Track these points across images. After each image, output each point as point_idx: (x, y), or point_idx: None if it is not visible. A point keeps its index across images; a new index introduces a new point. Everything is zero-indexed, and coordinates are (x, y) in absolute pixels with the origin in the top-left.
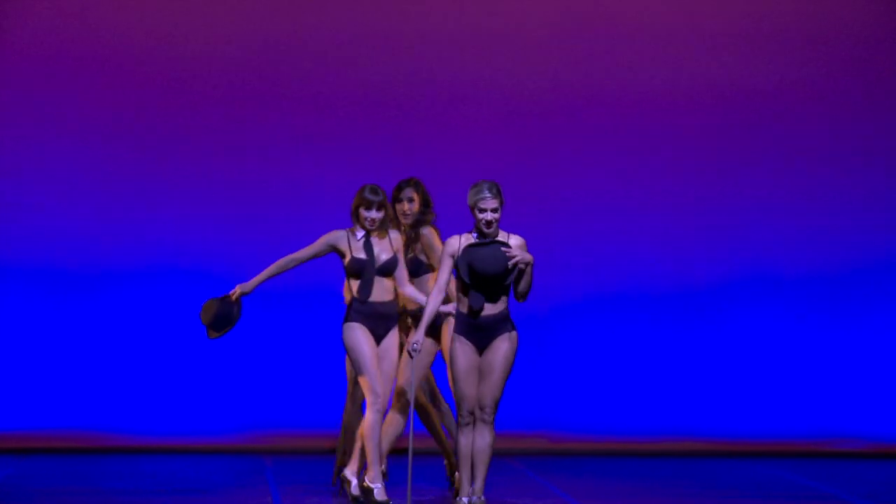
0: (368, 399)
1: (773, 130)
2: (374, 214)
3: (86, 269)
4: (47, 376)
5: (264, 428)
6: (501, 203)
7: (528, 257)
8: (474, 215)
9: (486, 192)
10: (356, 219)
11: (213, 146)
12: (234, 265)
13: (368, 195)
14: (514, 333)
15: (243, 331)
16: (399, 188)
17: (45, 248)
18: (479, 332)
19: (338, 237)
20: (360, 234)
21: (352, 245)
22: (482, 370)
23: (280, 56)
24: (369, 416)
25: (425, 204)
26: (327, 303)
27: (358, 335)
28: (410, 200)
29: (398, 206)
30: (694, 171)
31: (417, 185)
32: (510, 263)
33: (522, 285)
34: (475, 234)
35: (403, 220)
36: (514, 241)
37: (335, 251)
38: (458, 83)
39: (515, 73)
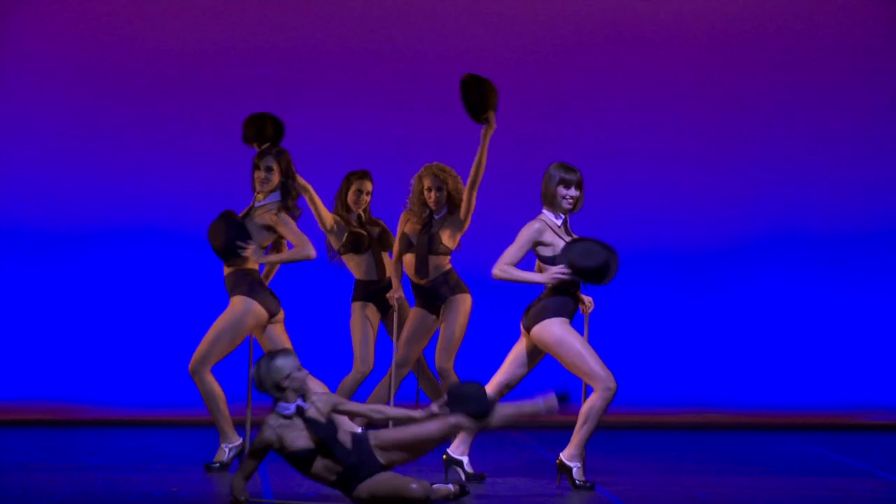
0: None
1: (798, 82)
2: (574, 193)
3: (64, 231)
4: (20, 344)
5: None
6: None
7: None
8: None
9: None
10: (552, 200)
11: (199, 103)
12: None
13: (566, 175)
14: None
15: (225, 299)
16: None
17: (18, 210)
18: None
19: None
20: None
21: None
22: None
23: (270, 5)
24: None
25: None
26: (316, 270)
27: None
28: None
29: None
30: (717, 126)
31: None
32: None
33: None
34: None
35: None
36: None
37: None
38: (462, 31)
39: (527, 23)
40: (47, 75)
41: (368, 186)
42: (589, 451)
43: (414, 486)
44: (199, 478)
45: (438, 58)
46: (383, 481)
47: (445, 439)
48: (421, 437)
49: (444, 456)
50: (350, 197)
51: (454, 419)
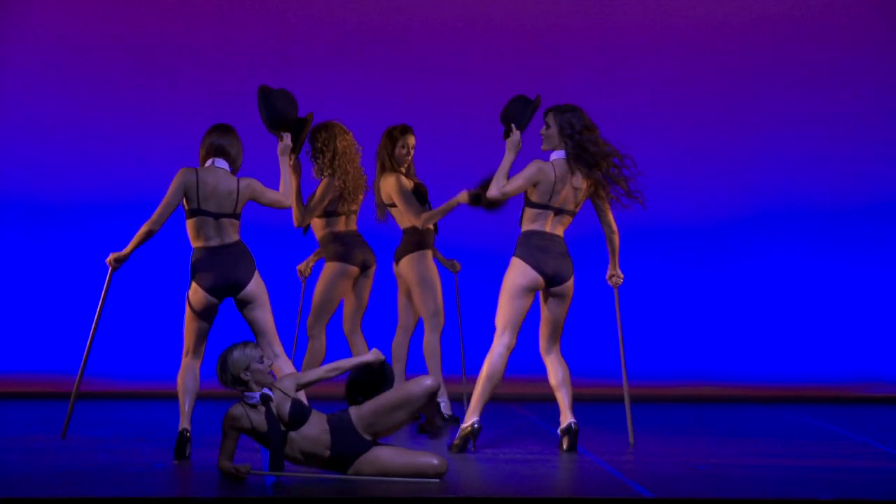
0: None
1: (803, 52)
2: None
3: (62, 202)
4: (20, 316)
5: None
6: None
7: None
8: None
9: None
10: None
11: (194, 74)
12: None
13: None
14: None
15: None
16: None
17: (14, 180)
18: None
19: None
20: None
21: None
22: None
23: None
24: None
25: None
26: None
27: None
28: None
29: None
30: (721, 96)
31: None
32: None
33: None
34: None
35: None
36: None
37: None
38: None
39: None
40: (43, 48)
41: (412, 141)
42: (588, 424)
43: (435, 461)
44: (199, 450)
45: (436, 29)
46: (396, 458)
47: (427, 403)
48: (401, 402)
49: None
50: (398, 152)
51: (429, 382)
